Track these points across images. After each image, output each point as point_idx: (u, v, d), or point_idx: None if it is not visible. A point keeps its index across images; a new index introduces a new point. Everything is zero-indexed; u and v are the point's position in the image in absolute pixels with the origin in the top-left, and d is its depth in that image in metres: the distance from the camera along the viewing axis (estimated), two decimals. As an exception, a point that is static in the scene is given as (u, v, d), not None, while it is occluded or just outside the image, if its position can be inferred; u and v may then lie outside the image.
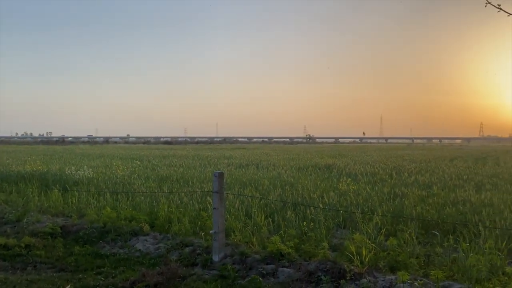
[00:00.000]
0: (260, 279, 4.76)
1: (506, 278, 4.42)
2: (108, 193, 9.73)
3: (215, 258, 5.40)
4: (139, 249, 6.16)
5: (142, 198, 9.04)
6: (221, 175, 5.46)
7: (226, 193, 9.08)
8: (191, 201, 8.47)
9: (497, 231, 5.93)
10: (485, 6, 3.72)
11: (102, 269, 5.27)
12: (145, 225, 6.89)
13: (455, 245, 5.54)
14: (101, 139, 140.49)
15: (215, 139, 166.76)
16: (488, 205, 8.06)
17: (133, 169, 17.10)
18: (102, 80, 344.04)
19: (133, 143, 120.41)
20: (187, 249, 5.87)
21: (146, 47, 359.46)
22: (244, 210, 7.57)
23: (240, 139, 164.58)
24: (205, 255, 5.60)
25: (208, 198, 8.11)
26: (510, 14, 3.69)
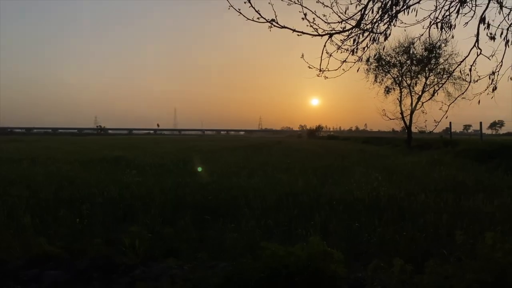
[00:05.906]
0: (19, 287, 4.22)
1: (260, 251, 5.13)
2: None
3: (-40, 271, 4.52)
4: None
5: None
6: (-33, 172, 4.58)
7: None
8: None
9: (258, 211, 6.82)
10: (228, 8, 4.13)
11: None
12: None
13: (223, 227, 6.13)
14: None
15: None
16: (256, 189, 9.17)
17: None
18: None
19: None
20: None
21: None
22: (6, 211, 6.58)
23: (16, 130, 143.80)
24: None
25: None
26: (249, 19, 4.17)
